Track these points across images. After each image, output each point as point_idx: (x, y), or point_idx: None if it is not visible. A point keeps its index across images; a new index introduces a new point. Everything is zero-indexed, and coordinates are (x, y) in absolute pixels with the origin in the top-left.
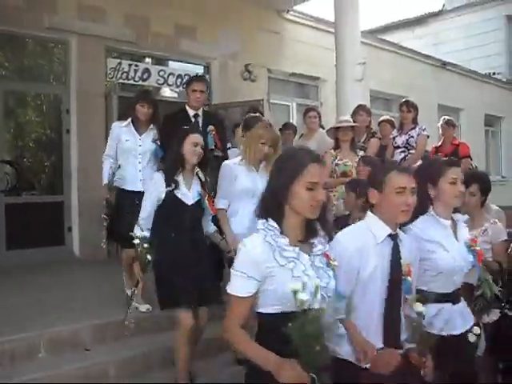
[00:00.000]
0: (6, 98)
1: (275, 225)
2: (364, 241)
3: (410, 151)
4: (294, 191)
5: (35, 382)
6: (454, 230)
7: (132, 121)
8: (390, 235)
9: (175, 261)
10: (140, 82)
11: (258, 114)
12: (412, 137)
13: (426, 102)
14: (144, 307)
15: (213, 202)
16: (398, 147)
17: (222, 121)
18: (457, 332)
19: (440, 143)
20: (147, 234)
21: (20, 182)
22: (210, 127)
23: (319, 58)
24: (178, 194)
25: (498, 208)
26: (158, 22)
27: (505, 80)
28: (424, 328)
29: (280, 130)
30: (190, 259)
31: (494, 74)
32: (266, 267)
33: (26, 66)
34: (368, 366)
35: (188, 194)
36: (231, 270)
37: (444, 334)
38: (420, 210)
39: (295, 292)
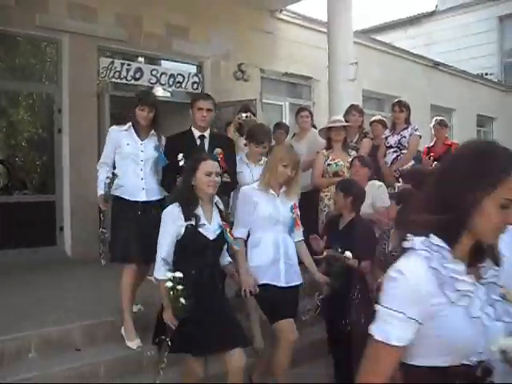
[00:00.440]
0: None
1: (444, 245)
2: None
3: (402, 151)
4: (484, 208)
5: (26, 383)
6: None
7: (132, 125)
8: None
9: (195, 308)
10: (132, 82)
11: (262, 123)
12: (404, 137)
13: (418, 102)
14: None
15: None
16: (391, 147)
17: (231, 143)
18: None
19: (432, 143)
20: (180, 274)
21: (12, 181)
22: (217, 150)
23: (312, 58)
24: (200, 228)
25: None
26: (150, 22)
27: (497, 81)
28: None
29: (273, 129)
30: (212, 302)
31: (486, 74)
32: (432, 305)
33: (17, 65)
34: None
35: (209, 227)
36: (379, 307)
37: None
38: None
39: (503, 352)
